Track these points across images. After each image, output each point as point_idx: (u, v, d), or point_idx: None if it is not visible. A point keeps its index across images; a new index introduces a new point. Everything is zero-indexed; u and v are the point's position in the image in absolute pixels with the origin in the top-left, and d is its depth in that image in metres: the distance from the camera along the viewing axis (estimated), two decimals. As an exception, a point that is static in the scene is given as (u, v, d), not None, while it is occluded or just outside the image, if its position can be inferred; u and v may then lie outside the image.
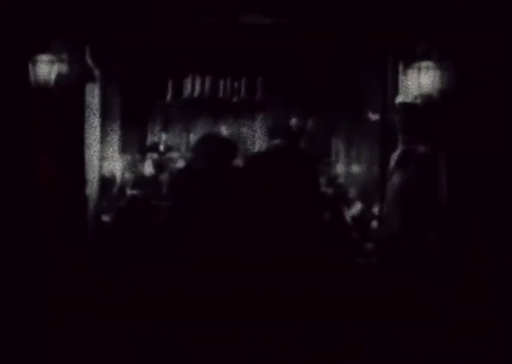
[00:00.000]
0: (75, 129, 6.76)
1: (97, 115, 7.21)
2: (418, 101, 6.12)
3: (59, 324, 5.26)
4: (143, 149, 10.82)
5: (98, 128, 7.28)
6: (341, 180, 10.24)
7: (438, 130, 6.28)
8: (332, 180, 9.99)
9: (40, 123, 6.41)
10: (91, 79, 6.95)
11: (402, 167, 6.06)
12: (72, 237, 6.68)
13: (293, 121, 10.36)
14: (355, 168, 10.52)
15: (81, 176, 6.86)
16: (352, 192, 9.64)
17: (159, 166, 10.20)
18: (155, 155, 10.54)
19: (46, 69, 6.63)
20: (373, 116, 9.77)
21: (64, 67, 6.67)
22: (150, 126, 11.09)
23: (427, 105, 6.36)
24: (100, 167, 9.63)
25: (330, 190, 9.41)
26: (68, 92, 6.64)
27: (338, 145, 10.92)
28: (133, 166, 10.46)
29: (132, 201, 8.69)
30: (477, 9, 6.64)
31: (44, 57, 6.70)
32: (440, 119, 6.38)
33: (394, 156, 6.18)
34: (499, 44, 6.53)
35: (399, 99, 6.09)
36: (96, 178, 7.42)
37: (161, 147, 10.84)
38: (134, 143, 10.97)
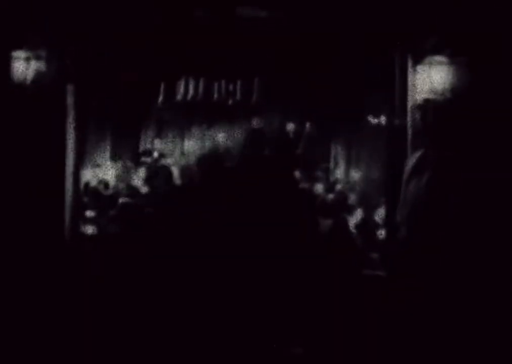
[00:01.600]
0: (54, 130, 5.98)
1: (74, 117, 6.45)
2: (443, 98, 5.44)
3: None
4: (136, 156, 10.25)
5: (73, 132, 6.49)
6: (340, 186, 9.56)
7: (458, 131, 5.60)
8: (332, 186, 9.38)
9: (17, 122, 5.71)
10: (72, 79, 6.16)
11: (421, 171, 5.40)
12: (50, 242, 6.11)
13: (290, 126, 9.95)
14: (356, 174, 9.87)
15: (60, 181, 6.10)
16: (353, 198, 8.98)
17: (152, 173, 9.54)
18: (148, 162, 9.92)
19: (22, 66, 5.86)
20: (374, 119, 9.19)
21: (41, 65, 5.87)
22: (142, 132, 10.48)
23: (448, 104, 5.66)
24: (94, 174, 9.50)
25: (329, 197, 8.81)
26: (47, 92, 5.86)
27: (337, 150, 10.26)
28: (125, 173, 9.81)
29: (124, 209, 8.02)
30: (486, 6, 5.95)
31: (19, 54, 5.91)
32: (459, 119, 5.68)
33: (413, 158, 5.50)
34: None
35: (422, 96, 5.42)
36: (73, 184, 6.67)
37: (155, 154, 10.17)
38: (126, 150, 10.37)
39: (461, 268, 5.57)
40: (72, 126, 6.17)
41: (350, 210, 8.38)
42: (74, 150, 6.63)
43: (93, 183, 9.18)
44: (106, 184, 9.29)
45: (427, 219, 5.66)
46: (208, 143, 10.17)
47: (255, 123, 9.78)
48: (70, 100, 6.16)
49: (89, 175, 9.35)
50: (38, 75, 5.92)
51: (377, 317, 5.63)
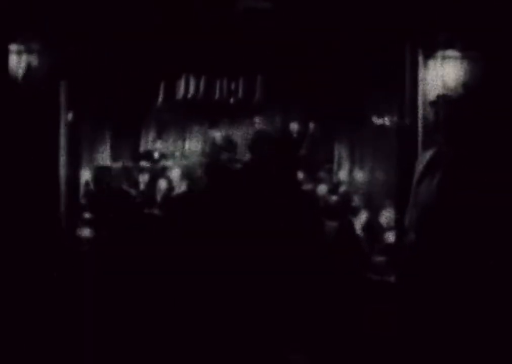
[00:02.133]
0: (47, 128, 5.60)
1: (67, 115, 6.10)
2: (456, 94, 5.12)
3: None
4: (136, 157, 9.86)
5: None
6: (344, 187, 9.23)
7: (472, 128, 5.24)
8: (336, 188, 9.06)
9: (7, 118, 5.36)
10: (65, 75, 5.79)
11: (433, 171, 5.04)
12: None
13: (293, 125, 9.63)
14: (361, 174, 9.52)
15: (53, 181, 5.74)
16: (358, 200, 8.66)
17: (153, 174, 9.21)
18: (148, 164, 9.60)
19: (13, 60, 5.48)
20: (379, 119, 8.84)
21: (33, 59, 5.49)
22: (143, 132, 10.13)
23: (462, 100, 5.31)
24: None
25: (333, 198, 8.50)
26: (39, 87, 5.49)
27: (341, 150, 9.88)
28: (125, 175, 9.49)
29: (122, 211, 7.74)
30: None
31: (12, 47, 5.55)
32: (473, 115, 5.32)
33: (425, 157, 5.15)
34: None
35: (434, 92, 5.13)
36: (69, 185, 6.36)
37: (155, 155, 9.86)
38: (126, 150, 10.01)
39: (474, 276, 5.20)
40: (65, 124, 5.79)
41: (354, 212, 8.08)
42: (70, 149, 6.32)
43: (92, 184, 8.86)
44: (106, 186, 8.99)
45: (437, 224, 5.30)
46: (209, 144, 9.84)
47: (258, 124, 9.47)
48: (63, 97, 5.79)
49: (88, 176, 8.97)
50: (30, 70, 5.55)
51: (384, 325, 5.42)
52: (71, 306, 5.47)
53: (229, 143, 9.61)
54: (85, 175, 8.81)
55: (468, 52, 5.61)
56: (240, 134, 9.76)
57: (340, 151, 9.83)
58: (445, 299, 5.23)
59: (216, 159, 9.22)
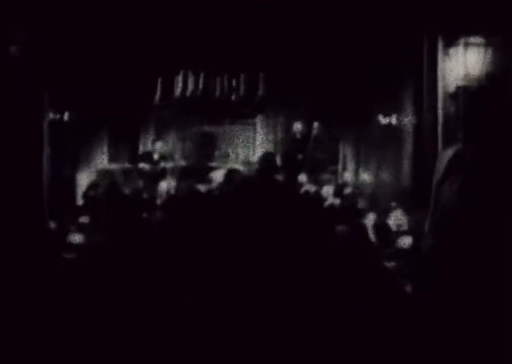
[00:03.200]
0: (27, 126, 4.96)
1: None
2: (482, 85, 4.50)
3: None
4: (135, 159, 9.29)
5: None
6: (350, 189, 8.64)
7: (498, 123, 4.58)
8: (340, 189, 8.47)
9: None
10: (52, 71, 5.14)
11: (455, 172, 4.39)
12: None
13: (297, 125, 9.11)
14: (366, 176, 8.94)
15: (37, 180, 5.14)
16: (363, 202, 8.05)
17: (152, 176, 8.63)
18: (147, 166, 9.00)
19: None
20: (386, 119, 8.26)
21: (15, 52, 4.85)
22: (141, 132, 9.59)
23: (486, 91, 4.67)
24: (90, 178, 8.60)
25: (337, 201, 7.91)
26: (20, 82, 4.85)
27: (346, 151, 9.39)
28: (123, 177, 8.92)
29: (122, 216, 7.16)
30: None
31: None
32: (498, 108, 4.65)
33: (446, 155, 4.50)
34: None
35: (455, 83, 4.52)
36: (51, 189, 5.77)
37: (155, 156, 9.25)
38: (125, 152, 9.50)
39: (495, 286, 4.55)
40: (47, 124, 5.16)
41: (361, 215, 7.46)
42: (64, 151, 5.71)
43: (89, 188, 8.29)
44: (106, 190, 8.40)
45: (457, 231, 4.66)
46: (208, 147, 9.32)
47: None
48: (47, 95, 5.14)
49: (85, 179, 8.50)
50: (11, 62, 4.88)
51: (398, 335, 4.72)
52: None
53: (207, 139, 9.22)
54: (82, 179, 8.33)
55: (493, 38, 4.99)
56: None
57: (345, 151, 9.41)
58: (463, 308, 4.63)
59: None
